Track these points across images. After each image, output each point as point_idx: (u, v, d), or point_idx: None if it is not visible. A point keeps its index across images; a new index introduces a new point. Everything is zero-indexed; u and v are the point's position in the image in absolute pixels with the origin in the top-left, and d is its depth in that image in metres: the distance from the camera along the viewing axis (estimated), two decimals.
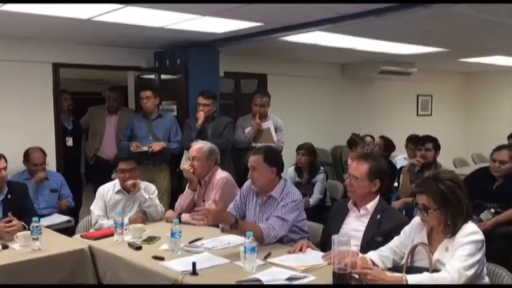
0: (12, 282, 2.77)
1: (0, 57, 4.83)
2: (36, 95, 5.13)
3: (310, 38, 5.08)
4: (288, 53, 6.50)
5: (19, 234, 3.10)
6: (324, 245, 2.92)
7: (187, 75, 5.41)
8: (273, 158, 3.26)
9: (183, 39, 5.09)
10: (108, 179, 4.11)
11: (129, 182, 3.70)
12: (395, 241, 2.56)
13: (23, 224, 3.27)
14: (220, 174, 3.74)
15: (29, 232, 3.03)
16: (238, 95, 7.02)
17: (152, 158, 4.90)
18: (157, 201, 3.85)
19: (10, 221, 3.25)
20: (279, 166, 3.26)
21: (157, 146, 4.89)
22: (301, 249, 2.83)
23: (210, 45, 5.36)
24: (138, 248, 2.99)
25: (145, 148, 4.84)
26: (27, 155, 4.60)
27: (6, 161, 3.61)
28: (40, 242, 2.98)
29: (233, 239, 3.10)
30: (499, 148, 4.12)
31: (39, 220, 3.06)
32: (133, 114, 5.45)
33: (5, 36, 4.76)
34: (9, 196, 3.56)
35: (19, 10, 3.69)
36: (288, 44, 5.43)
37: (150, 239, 3.15)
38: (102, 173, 5.01)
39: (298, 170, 5.16)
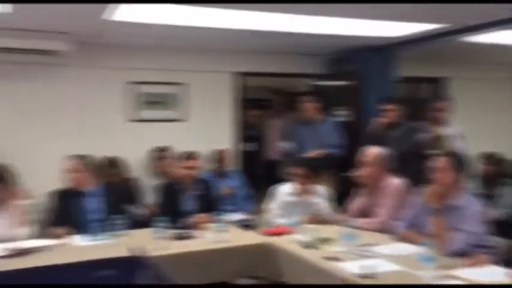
0: (199, 268, 3.08)
1: (192, 68, 5.47)
2: (220, 103, 5.66)
3: (498, 38, 4.67)
4: (471, 55, 6.04)
5: (210, 225, 3.49)
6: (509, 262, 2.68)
7: (362, 81, 5.39)
8: (461, 164, 3.14)
9: (357, 44, 5.10)
10: (276, 180, 4.36)
11: (298, 187, 3.91)
12: None
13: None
14: (393, 181, 3.66)
15: (216, 224, 3.38)
16: (415, 100, 6.74)
17: (315, 164, 5.01)
18: (326, 204, 3.97)
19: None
20: (465, 175, 3.15)
21: (320, 153, 5.01)
22: (478, 264, 2.66)
23: (385, 49, 5.28)
24: (313, 247, 3.10)
25: (312, 154, 4.99)
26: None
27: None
28: (227, 234, 3.30)
29: (407, 248, 3.03)
30: None
31: (225, 214, 3.40)
32: (297, 120, 5.52)
33: (194, 49, 5.35)
34: (200, 192, 4.01)
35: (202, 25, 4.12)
36: (472, 45, 5.07)
37: (324, 240, 3.22)
38: (270, 174, 5.32)
39: (482, 180, 4.75)
